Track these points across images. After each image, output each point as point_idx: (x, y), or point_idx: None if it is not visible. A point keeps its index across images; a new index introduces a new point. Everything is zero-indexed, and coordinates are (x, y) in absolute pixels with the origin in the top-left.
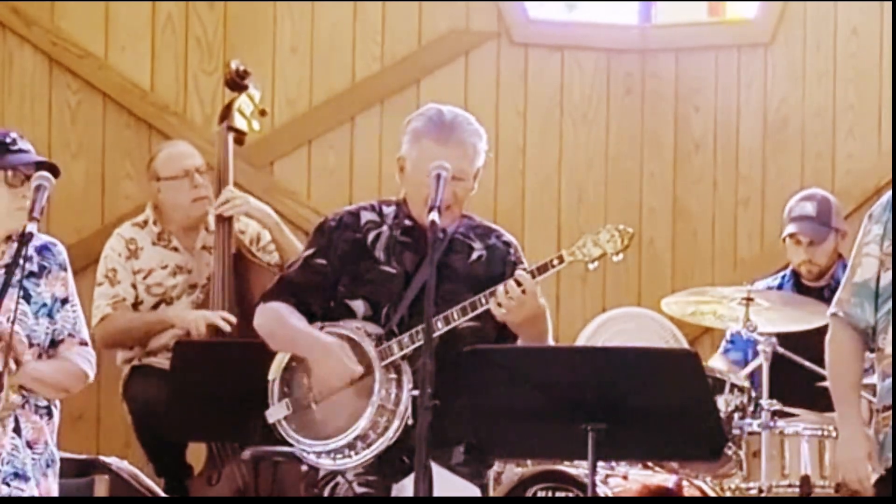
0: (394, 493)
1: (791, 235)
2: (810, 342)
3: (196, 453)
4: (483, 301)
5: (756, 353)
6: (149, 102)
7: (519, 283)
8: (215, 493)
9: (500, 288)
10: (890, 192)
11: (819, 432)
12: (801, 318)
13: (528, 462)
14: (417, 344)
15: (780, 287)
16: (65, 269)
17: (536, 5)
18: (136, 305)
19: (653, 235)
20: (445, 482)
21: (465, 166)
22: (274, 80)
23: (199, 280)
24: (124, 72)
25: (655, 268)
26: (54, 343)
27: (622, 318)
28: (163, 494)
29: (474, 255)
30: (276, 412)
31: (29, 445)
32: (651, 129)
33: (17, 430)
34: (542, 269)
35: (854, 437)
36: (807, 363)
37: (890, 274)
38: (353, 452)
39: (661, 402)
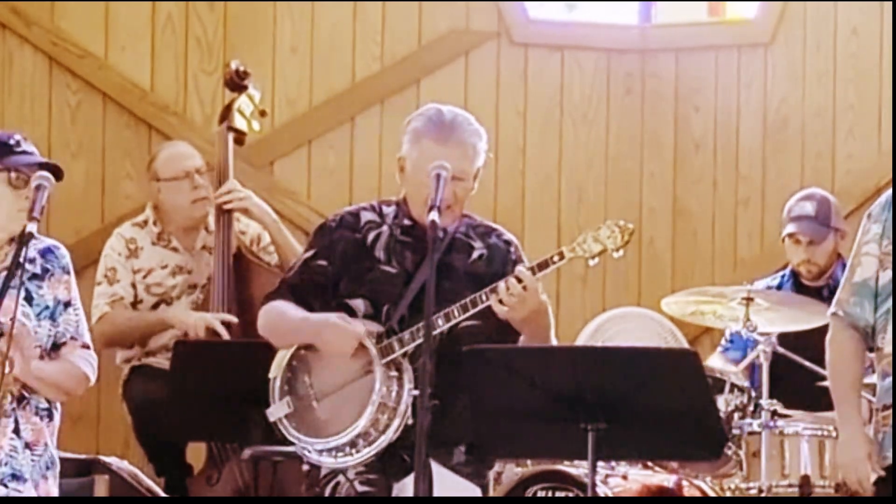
0: (395, 493)
1: (790, 235)
2: (810, 342)
3: (196, 453)
4: (484, 298)
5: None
6: (149, 102)
7: (520, 280)
8: (215, 493)
9: (501, 285)
10: (889, 192)
11: (819, 432)
12: (801, 317)
13: (528, 462)
14: (418, 341)
15: (779, 287)
16: (68, 273)
17: (536, 5)
18: (134, 305)
19: (653, 235)
20: (446, 482)
21: (465, 166)
22: (274, 80)
23: (199, 280)
24: (124, 72)
25: (655, 268)
26: (56, 346)
27: (622, 318)
28: (163, 494)
29: (475, 255)
30: (278, 410)
31: (28, 447)
32: (651, 129)
33: (16, 431)
34: (543, 265)
35: (854, 438)
36: (807, 363)
37: (889, 273)
38: (354, 450)
39: (661, 402)
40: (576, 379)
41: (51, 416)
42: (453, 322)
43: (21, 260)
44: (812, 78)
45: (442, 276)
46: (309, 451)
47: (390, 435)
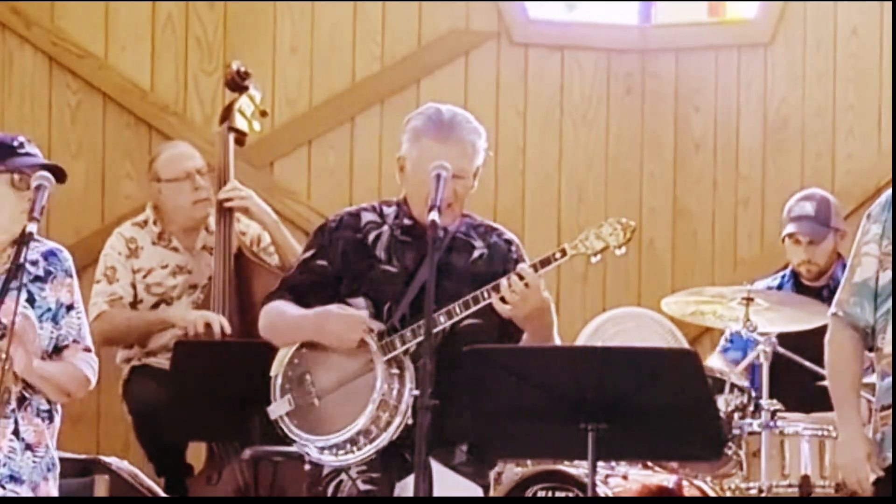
0: (397, 492)
1: (790, 235)
2: (810, 342)
3: (196, 453)
4: (485, 295)
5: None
6: (149, 102)
7: (522, 277)
8: (215, 492)
9: (504, 282)
10: (888, 192)
11: (819, 432)
12: (801, 317)
13: (528, 462)
14: (419, 339)
15: (779, 287)
16: (70, 276)
17: (536, 5)
18: (134, 305)
19: (653, 235)
20: (447, 481)
21: (464, 164)
22: (274, 80)
23: (199, 280)
24: (124, 72)
25: (655, 268)
26: (58, 349)
27: (622, 318)
28: (163, 494)
29: (476, 254)
30: (279, 408)
31: (30, 448)
32: (651, 129)
33: (16, 432)
34: (545, 262)
35: (854, 438)
36: (807, 363)
37: (889, 273)
38: (355, 448)
39: (661, 402)
40: (576, 379)
41: (51, 418)
42: (455, 319)
43: (21, 260)
44: (812, 78)
45: (443, 276)
46: (310, 449)
47: (391, 433)
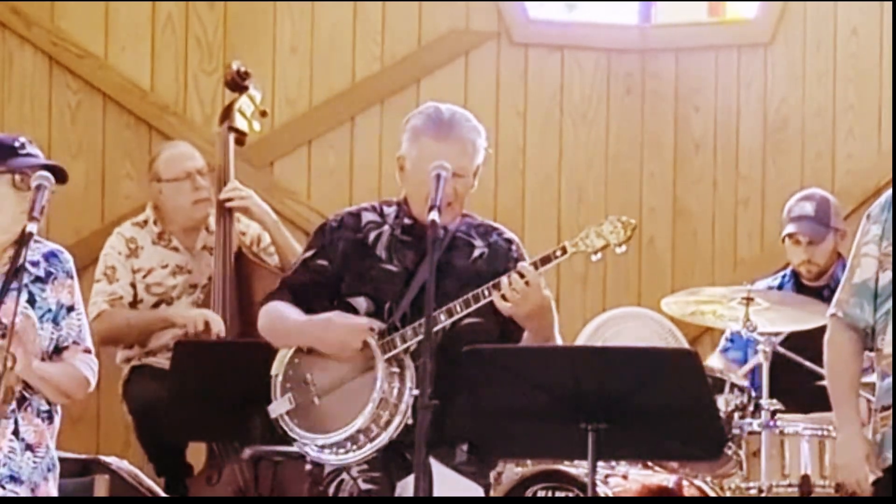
0: (398, 492)
1: (790, 235)
2: (810, 342)
3: (196, 453)
4: (486, 293)
5: (755, 353)
6: (149, 102)
7: (522, 275)
8: (215, 492)
9: (504, 280)
10: (888, 193)
11: (819, 432)
12: (801, 317)
13: (528, 462)
14: (420, 337)
15: (780, 287)
16: (71, 277)
17: (536, 5)
18: (134, 304)
19: (653, 235)
20: (447, 481)
21: (464, 163)
22: (274, 80)
23: (199, 280)
24: (124, 72)
25: (655, 268)
26: (58, 350)
27: (622, 318)
28: (163, 494)
29: (476, 253)
30: (279, 407)
31: (30, 449)
32: (651, 129)
33: (15, 432)
34: (545, 260)
35: (852, 439)
36: (807, 363)
37: (888, 274)
38: (355, 446)
39: (661, 402)
40: (576, 379)
41: (51, 419)
42: (456, 317)
43: (21, 259)
44: (812, 78)
45: (443, 275)
46: (310, 448)
47: (391, 432)
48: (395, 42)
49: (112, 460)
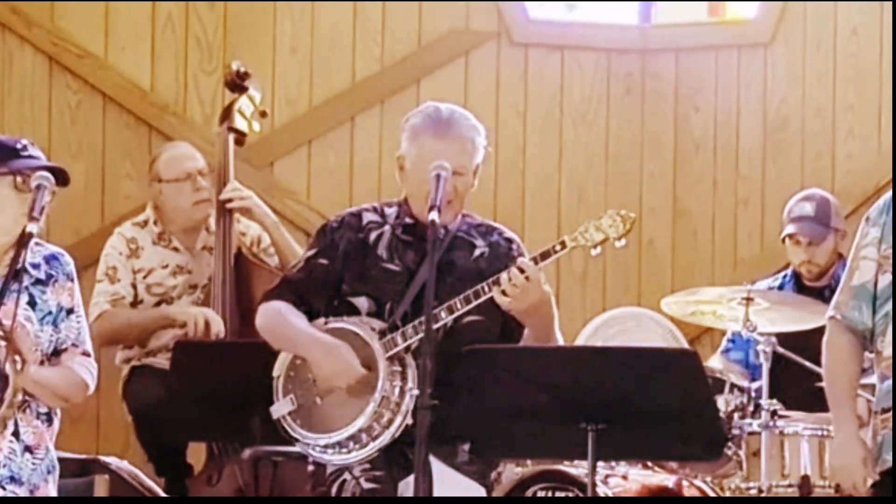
0: (400, 491)
1: (790, 236)
2: (810, 342)
3: (196, 453)
4: (486, 289)
5: (757, 355)
6: (149, 102)
7: (522, 270)
8: (215, 492)
9: (504, 275)
10: (886, 195)
11: (819, 432)
12: (801, 318)
13: (528, 462)
14: (421, 335)
15: (781, 287)
16: (72, 280)
17: (536, 5)
18: (134, 305)
19: (653, 235)
20: (448, 480)
21: (464, 161)
22: (274, 81)
23: (199, 280)
24: (124, 72)
25: (655, 268)
26: (57, 352)
27: (622, 318)
28: (163, 494)
29: (477, 252)
30: (281, 408)
31: (30, 450)
32: (651, 129)
33: (15, 434)
34: (545, 255)
35: (849, 442)
36: (807, 363)
37: (888, 276)
38: (358, 445)
39: (661, 402)
40: (576, 379)
41: (50, 421)
42: (457, 314)
43: (21, 260)
44: (812, 78)
45: (444, 274)
46: (313, 449)
47: (394, 430)
48: (395, 42)
49: (112, 460)
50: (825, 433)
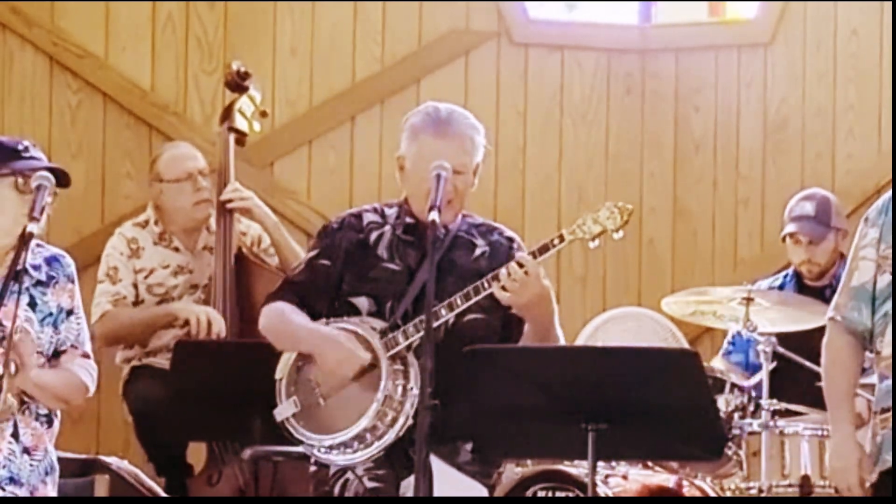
0: (402, 490)
1: (791, 235)
2: (811, 342)
3: (196, 453)
4: (486, 285)
5: (757, 355)
6: (149, 102)
7: (521, 265)
8: (215, 492)
9: (503, 270)
10: (885, 196)
11: (819, 432)
12: (802, 317)
13: (528, 462)
14: (422, 333)
15: (781, 287)
16: (72, 282)
17: (536, 5)
18: (135, 304)
19: (653, 235)
20: (448, 479)
21: (464, 159)
22: (274, 81)
23: (200, 280)
24: (124, 72)
25: (655, 268)
26: (57, 353)
27: (622, 318)
28: (163, 494)
29: (477, 252)
30: (285, 410)
31: (28, 452)
32: (651, 129)
33: (14, 435)
34: (543, 249)
35: (845, 445)
36: (807, 363)
37: (887, 276)
38: (362, 445)
39: (661, 402)
40: (576, 379)
41: (50, 422)
42: (457, 311)
43: (21, 260)
44: (812, 78)
45: (445, 273)
46: (317, 450)
47: (397, 429)
48: (395, 42)
49: (112, 460)
50: (825, 433)
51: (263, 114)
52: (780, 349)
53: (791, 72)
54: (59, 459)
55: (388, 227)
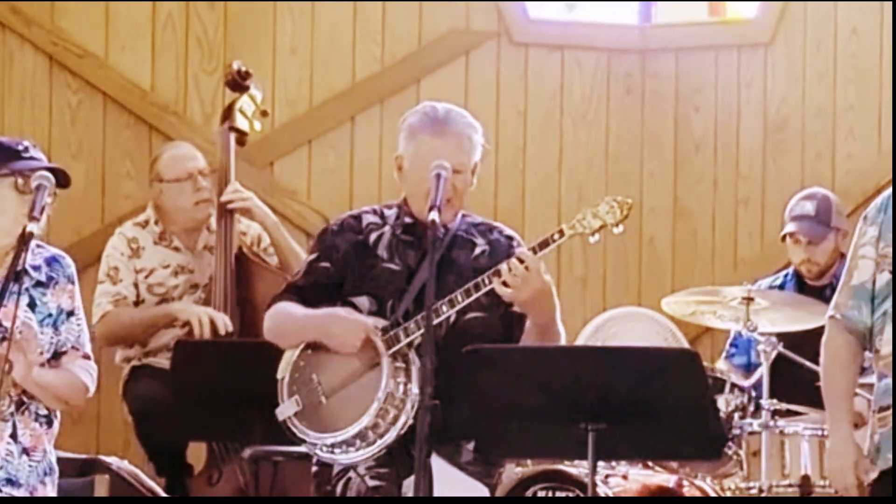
0: (404, 489)
1: (791, 234)
2: (811, 342)
3: (196, 453)
4: (486, 281)
5: (758, 355)
6: (149, 102)
7: (521, 260)
8: (215, 492)
9: (504, 266)
10: (884, 194)
11: (819, 432)
12: (802, 317)
13: (528, 462)
14: (423, 331)
15: (782, 286)
16: (72, 283)
17: (536, 5)
18: (136, 304)
19: (653, 235)
20: (451, 479)
21: (462, 158)
22: (274, 81)
23: (200, 280)
24: (124, 72)
25: (655, 268)
26: (57, 354)
27: (622, 318)
28: (163, 494)
29: (477, 250)
30: (287, 409)
31: (27, 452)
32: (651, 129)
33: (13, 435)
34: (544, 244)
35: (842, 445)
36: (807, 363)
37: (886, 275)
38: (364, 444)
39: (661, 402)
40: (576, 379)
41: (50, 423)
42: (458, 307)
43: (21, 261)
44: (812, 78)
45: (445, 271)
46: (320, 449)
47: (399, 428)
48: (395, 42)
49: (112, 460)
50: (825, 433)
51: (264, 113)
52: (781, 349)
53: (791, 72)
54: (59, 459)
55: (387, 228)
